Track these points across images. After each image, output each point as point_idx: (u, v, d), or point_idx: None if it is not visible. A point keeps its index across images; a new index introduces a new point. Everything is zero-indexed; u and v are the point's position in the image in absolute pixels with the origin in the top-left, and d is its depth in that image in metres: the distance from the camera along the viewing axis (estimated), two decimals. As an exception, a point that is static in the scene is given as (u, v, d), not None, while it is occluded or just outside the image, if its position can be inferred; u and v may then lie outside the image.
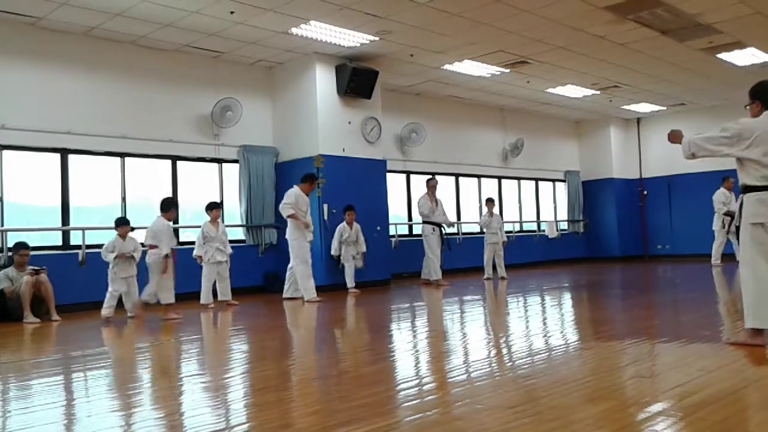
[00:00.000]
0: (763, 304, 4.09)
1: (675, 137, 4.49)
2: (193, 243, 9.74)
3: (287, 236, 8.88)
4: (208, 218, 8.74)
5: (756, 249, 4.15)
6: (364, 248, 10.09)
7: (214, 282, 8.65)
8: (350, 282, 9.90)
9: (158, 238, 7.53)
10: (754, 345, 4.13)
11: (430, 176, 11.54)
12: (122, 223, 7.74)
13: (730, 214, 11.79)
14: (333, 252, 9.93)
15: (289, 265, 9.03)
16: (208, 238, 8.59)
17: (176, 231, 9.34)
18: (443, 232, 10.87)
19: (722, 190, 12.21)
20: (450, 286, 10.32)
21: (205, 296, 8.58)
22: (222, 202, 10.23)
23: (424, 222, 10.80)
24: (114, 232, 7.74)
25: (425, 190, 10.91)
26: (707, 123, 15.73)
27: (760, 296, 4.10)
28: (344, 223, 9.99)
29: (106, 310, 7.37)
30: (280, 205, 8.82)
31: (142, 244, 7.86)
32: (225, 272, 8.66)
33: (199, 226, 8.86)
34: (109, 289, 7.49)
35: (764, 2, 8.70)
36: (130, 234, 7.80)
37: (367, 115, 10.90)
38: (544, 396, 3.25)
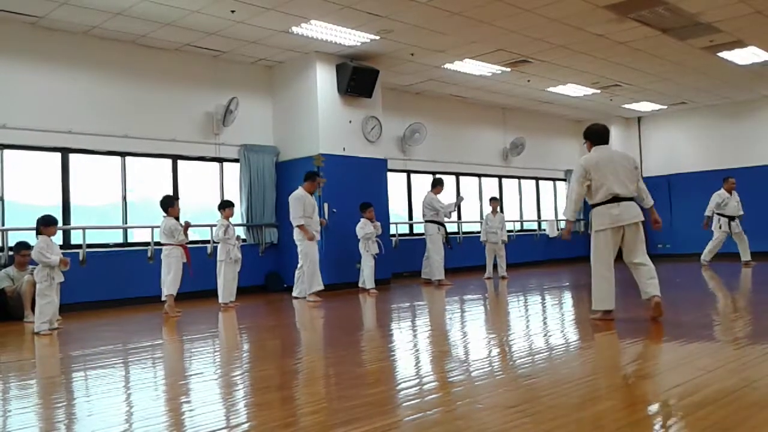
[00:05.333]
0: (599, 292, 5.59)
1: (567, 231, 5.97)
2: (197, 242, 9.79)
3: (294, 237, 8.91)
4: (226, 216, 8.45)
5: (597, 251, 5.57)
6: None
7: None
8: (370, 282, 9.64)
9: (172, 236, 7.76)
10: (607, 319, 5.59)
11: (438, 176, 11.51)
12: (52, 223, 6.67)
13: (721, 214, 11.79)
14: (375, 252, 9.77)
15: (299, 265, 9.02)
16: (228, 235, 8.43)
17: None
18: (447, 231, 10.87)
19: (721, 191, 12.09)
20: (453, 285, 10.32)
21: (226, 295, 8.35)
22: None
23: (428, 221, 10.77)
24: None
25: (431, 189, 10.83)
26: (707, 122, 15.78)
27: (597, 286, 5.60)
28: (365, 219, 9.75)
29: (45, 324, 6.32)
30: (291, 216, 8.84)
31: (157, 243, 7.82)
32: (236, 272, 8.53)
33: (200, 225, 8.80)
34: (43, 301, 6.36)
35: (764, 1, 8.69)
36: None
37: (367, 114, 10.90)
38: (544, 396, 3.25)
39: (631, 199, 5.54)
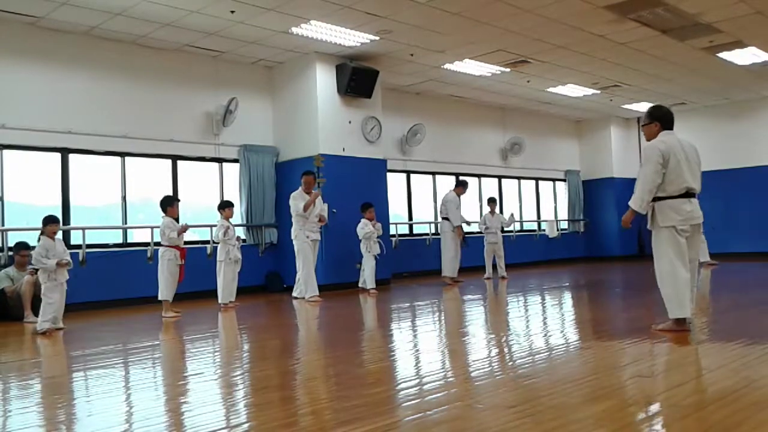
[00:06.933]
0: (681, 296, 4.80)
1: (627, 220, 5.08)
2: (196, 242, 9.79)
3: (292, 236, 8.94)
4: (226, 216, 8.44)
5: (671, 249, 4.85)
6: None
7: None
8: (371, 282, 9.62)
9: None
10: (680, 330, 4.84)
11: (463, 178, 11.65)
12: (52, 221, 6.68)
13: None
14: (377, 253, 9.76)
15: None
16: (228, 236, 8.43)
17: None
18: (463, 230, 10.98)
19: None
20: (457, 285, 10.33)
21: (226, 295, 8.33)
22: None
23: (444, 218, 10.88)
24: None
25: (454, 188, 11.05)
26: (707, 122, 15.77)
27: (678, 290, 4.81)
28: (365, 219, 9.73)
29: (46, 323, 6.38)
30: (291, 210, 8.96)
31: (157, 243, 7.77)
32: (236, 272, 8.49)
33: (200, 226, 8.80)
34: (44, 301, 6.44)
35: (764, 1, 8.70)
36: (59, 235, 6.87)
37: (367, 115, 10.91)
38: (544, 396, 3.25)
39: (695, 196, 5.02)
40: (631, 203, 4.99)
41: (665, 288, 4.89)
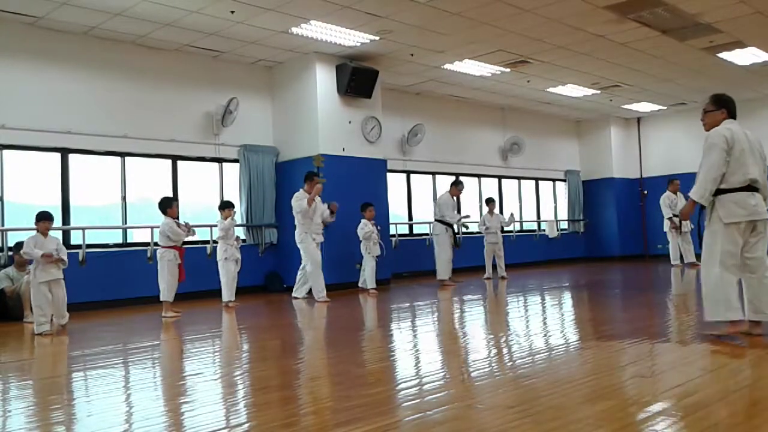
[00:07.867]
0: (724, 297, 4.46)
1: (686, 212, 4.72)
2: (196, 243, 9.78)
3: (296, 239, 8.90)
4: (225, 217, 8.46)
5: (726, 248, 4.49)
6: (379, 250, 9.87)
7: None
8: (371, 282, 9.64)
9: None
10: (738, 333, 4.50)
11: (458, 178, 11.55)
12: (43, 218, 6.59)
13: (676, 216, 11.93)
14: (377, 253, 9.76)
15: (301, 266, 9.04)
16: (228, 235, 8.44)
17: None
18: (455, 231, 10.93)
19: (667, 193, 12.53)
20: (455, 285, 10.33)
21: (227, 294, 8.35)
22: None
23: (437, 220, 10.85)
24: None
25: (449, 189, 11.00)
26: (707, 122, 15.79)
27: (722, 291, 4.47)
28: (365, 219, 9.75)
29: (42, 326, 6.30)
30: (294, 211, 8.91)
31: (156, 244, 7.81)
32: (236, 272, 8.50)
33: (200, 226, 8.82)
34: (32, 301, 6.46)
35: (764, 2, 8.69)
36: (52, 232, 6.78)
37: (367, 115, 10.90)
38: (544, 396, 3.25)
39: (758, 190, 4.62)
40: (692, 194, 4.58)
41: (707, 288, 4.60)
